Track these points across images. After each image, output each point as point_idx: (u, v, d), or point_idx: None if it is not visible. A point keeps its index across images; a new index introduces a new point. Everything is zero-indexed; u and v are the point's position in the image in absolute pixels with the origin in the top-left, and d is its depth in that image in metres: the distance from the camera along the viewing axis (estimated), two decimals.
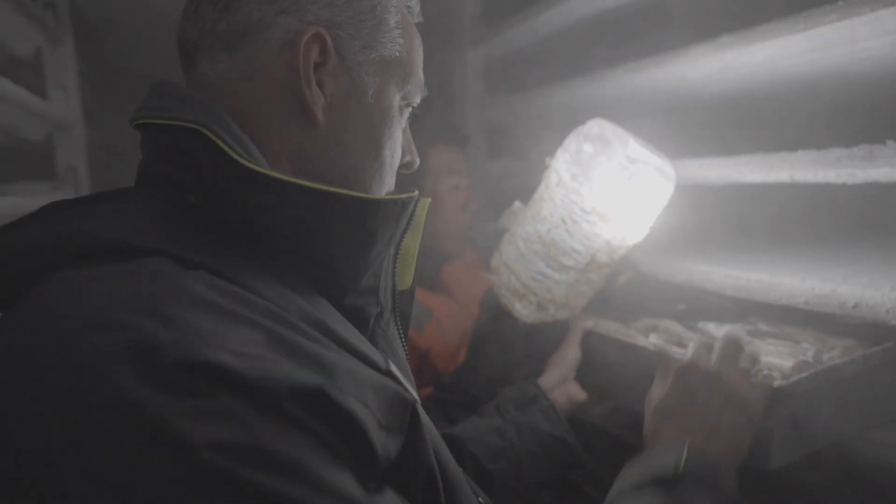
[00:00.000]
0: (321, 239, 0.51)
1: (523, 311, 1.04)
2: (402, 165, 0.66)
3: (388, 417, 0.44)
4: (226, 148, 0.48)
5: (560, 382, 0.94)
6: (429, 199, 0.65)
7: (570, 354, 0.97)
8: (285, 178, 0.49)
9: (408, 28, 0.61)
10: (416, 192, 0.59)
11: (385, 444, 0.43)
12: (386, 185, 0.62)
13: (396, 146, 0.62)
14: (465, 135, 1.45)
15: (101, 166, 1.60)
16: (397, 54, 0.59)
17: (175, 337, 0.38)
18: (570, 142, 1.01)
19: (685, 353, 0.77)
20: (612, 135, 0.97)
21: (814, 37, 0.84)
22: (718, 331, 0.97)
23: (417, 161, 0.67)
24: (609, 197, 0.94)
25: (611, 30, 1.29)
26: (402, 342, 0.63)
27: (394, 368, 0.52)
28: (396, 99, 0.60)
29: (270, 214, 0.50)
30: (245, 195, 0.49)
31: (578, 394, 0.95)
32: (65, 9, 1.39)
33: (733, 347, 0.74)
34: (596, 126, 1.00)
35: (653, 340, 0.93)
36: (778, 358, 0.83)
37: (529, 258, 1.02)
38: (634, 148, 0.95)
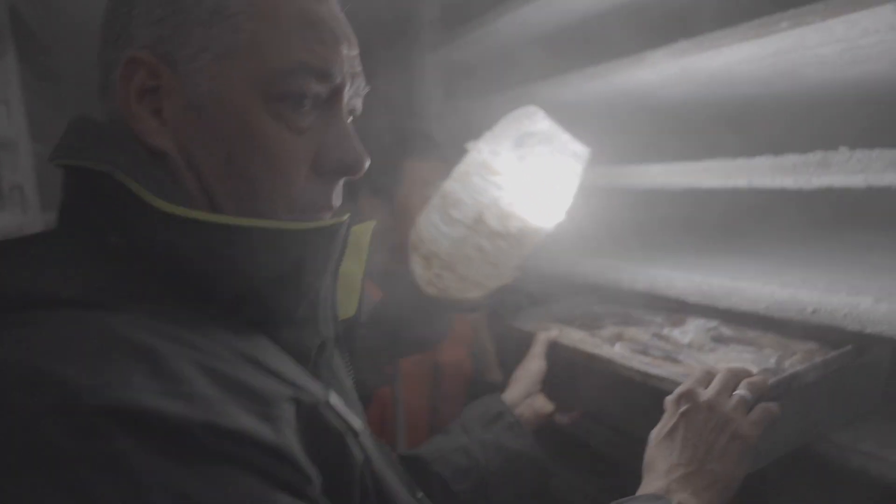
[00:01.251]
0: (244, 274, 0.48)
1: (416, 268, 1.03)
2: (341, 168, 0.54)
3: (315, 447, 0.44)
4: (136, 189, 0.46)
5: (525, 396, 0.93)
6: (373, 223, 0.63)
7: (535, 367, 0.96)
8: (193, 215, 0.46)
9: (262, 7, 0.50)
10: (346, 217, 0.55)
11: (314, 473, 0.43)
12: (298, 202, 0.53)
13: (272, 158, 0.51)
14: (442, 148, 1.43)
15: (50, 183, 1.53)
16: (240, 42, 0.50)
17: (97, 382, 0.36)
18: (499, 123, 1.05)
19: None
20: (535, 114, 1.00)
21: (767, 44, 0.85)
22: (684, 337, 0.98)
23: (364, 161, 0.55)
24: (503, 156, 0.97)
25: (569, 36, 1.29)
26: (349, 371, 0.61)
27: (334, 399, 0.51)
28: (253, 99, 0.50)
29: (188, 253, 0.47)
30: (163, 236, 0.47)
31: (545, 406, 0.94)
32: (5, 21, 1.32)
33: (732, 378, 0.74)
34: (525, 109, 1.02)
35: (618, 350, 0.93)
36: (741, 366, 0.84)
37: (429, 210, 1.03)
38: (543, 123, 0.99)
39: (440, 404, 1.23)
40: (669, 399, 0.74)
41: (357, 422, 0.52)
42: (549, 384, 1.00)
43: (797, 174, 0.83)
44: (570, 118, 1.03)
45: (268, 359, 0.47)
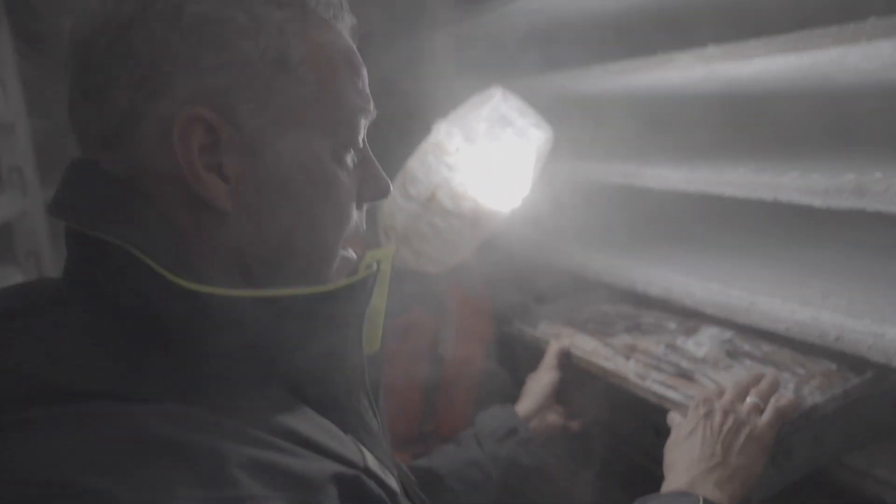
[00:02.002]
0: (274, 346, 0.46)
1: (381, 240, 1.08)
2: (375, 198, 0.56)
3: None
4: (157, 267, 0.42)
5: (539, 410, 0.93)
6: (393, 249, 0.62)
7: (547, 379, 0.96)
8: (221, 291, 0.44)
9: (320, 54, 0.48)
10: (375, 268, 0.53)
11: None
12: (339, 254, 0.52)
13: (341, 204, 0.51)
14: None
15: (49, 160, 1.49)
16: (309, 96, 0.48)
17: (140, 498, 0.34)
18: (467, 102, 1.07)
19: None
20: (502, 95, 1.01)
21: (804, 57, 0.81)
22: (698, 350, 0.96)
23: (390, 187, 0.56)
24: (456, 137, 0.99)
25: (592, 30, 1.23)
26: (374, 413, 0.59)
27: (371, 463, 0.50)
28: (323, 149, 0.49)
29: (215, 331, 0.44)
30: (185, 314, 0.43)
31: (557, 420, 0.94)
32: None
33: (743, 389, 0.80)
34: (493, 90, 1.04)
35: (632, 367, 0.92)
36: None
37: (394, 186, 1.04)
38: (509, 105, 0.99)
39: (441, 397, 1.22)
40: (691, 405, 0.80)
41: (393, 481, 0.51)
42: (561, 391, 1.00)
43: (828, 197, 0.80)
44: (588, 110, 0.99)
45: (303, 427, 0.45)
